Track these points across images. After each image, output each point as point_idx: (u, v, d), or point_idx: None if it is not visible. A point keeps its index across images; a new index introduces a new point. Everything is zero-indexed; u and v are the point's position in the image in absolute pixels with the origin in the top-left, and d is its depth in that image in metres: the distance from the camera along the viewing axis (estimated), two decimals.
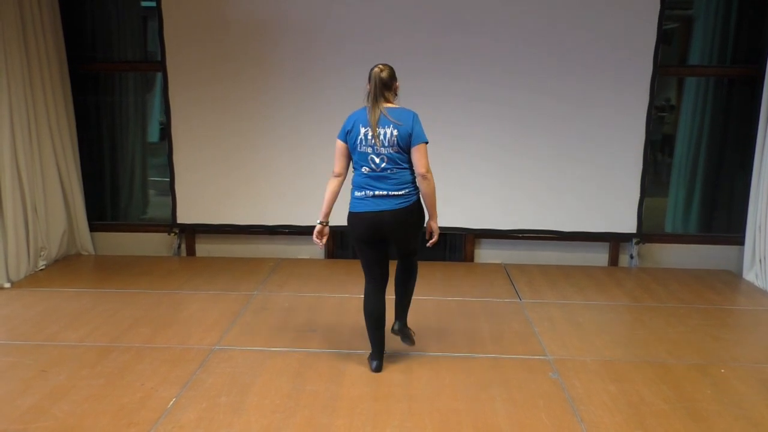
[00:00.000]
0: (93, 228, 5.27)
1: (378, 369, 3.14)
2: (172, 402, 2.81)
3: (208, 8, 4.89)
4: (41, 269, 4.76)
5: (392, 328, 3.29)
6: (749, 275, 4.80)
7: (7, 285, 4.37)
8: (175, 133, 5.06)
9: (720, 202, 5.41)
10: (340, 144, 3.07)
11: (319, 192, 4.99)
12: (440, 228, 4.97)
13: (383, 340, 3.19)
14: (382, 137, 2.96)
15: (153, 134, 5.83)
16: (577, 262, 5.17)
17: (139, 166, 5.59)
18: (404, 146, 2.98)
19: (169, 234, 5.26)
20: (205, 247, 5.32)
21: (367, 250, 3.11)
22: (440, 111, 4.90)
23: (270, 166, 5.08)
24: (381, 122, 2.97)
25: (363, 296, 3.18)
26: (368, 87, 3.03)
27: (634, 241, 5.09)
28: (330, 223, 5.24)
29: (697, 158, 5.32)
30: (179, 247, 5.29)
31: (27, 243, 4.61)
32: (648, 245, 5.16)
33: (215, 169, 5.10)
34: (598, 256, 5.20)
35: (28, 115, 4.59)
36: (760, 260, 4.66)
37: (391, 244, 3.13)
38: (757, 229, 4.71)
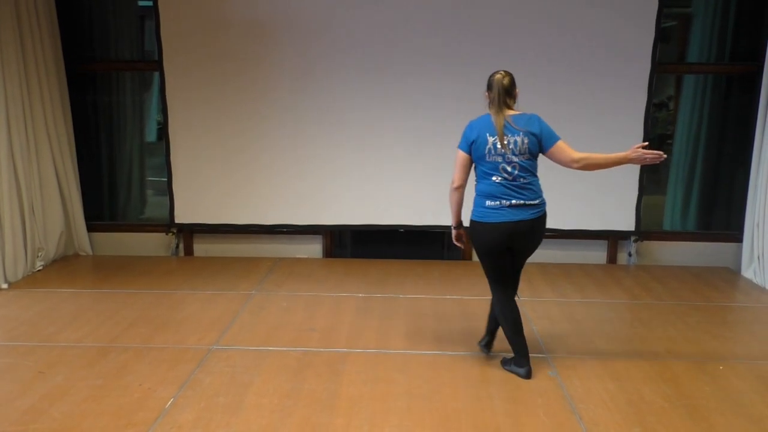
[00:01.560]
0: (90, 228, 5.26)
1: (529, 375, 3.06)
2: (170, 402, 2.81)
3: (206, 7, 4.87)
4: (39, 270, 4.75)
5: (480, 342, 3.26)
6: (747, 272, 4.80)
7: (5, 286, 4.36)
8: (173, 132, 5.05)
9: (718, 200, 5.41)
10: (462, 155, 3.00)
11: (317, 192, 5.08)
12: (437, 226, 5.09)
13: (526, 343, 3.12)
14: (512, 145, 2.91)
15: (150, 134, 5.82)
16: (576, 260, 5.17)
17: (137, 166, 5.58)
18: (535, 152, 2.96)
19: (167, 234, 5.25)
20: (203, 247, 5.32)
21: (496, 259, 3.04)
22: (439, 111, 4.90)
23: (268, 165, 5.07)
24: (507, 130, 2.91)
25: (498, 307, 3.10)
26: (489, 95, 2.99)
27: (633, 238, 5.09)
28: (325, 223, 5.27)
29: (696, 155, 5.31)
30: (177, 247, 5.28)
31: (24, 243, 4.60)
32: (646, 243, 5.17)
33: (213, 169, 5.10)
34: (597, 254, 5.19)
35: (25, 114, 4.58)
36: (759, 257, 4.66)
37: (512, 255, 3.06)
38: (755, 226, 4.71)
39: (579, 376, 3.10)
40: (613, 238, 5.15)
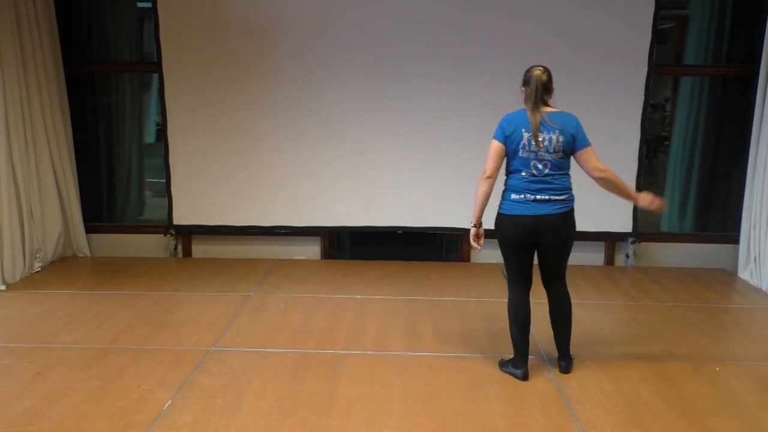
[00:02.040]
0: (89, 229, 5.26)
1: (526, 377, 3.05)
2: (168, 404, 2.81)
3: (205, 9, 4.88)
4: (37, 271, 4.75)
5: (560, 366, 3.17)
6: (744, 274, 4.81)
7: (3, 287, 4.35)
8: (172, 134, 5.05)
9: (715, 201, 5.43)
10: (497, 145, 2.97)
11: (315, 193, 5.08)
12: (436, 228, 5.10)
13: (528, 345, 3.11)
14: (546, 143, 2.90)
15: (149, 135, 5.83)
16: (573, 261, 5.05)
17: (135, 168, 5.58)
18: (569, 151, 2.96)
19: (165, 235, 5.25)
20: (201, 249, 5.32)
21: (519, 253, 3.04)
22: (438, 114, 4.92)
23: (266, 167, 5.08)
24: (543, 127, 2.90)
25: (511, 304, 3.08)
26: (525, 90, 2.97)
27: (630, 240, 5.10)
28: (323, 224, 5.27)
29: (693, 157, 5.33)
30: (175, 248, 5.28)
31: (23, 245, 4.60)
32: (644, 244, 5.18)
33: (212, 170, 5.10)
34: (594, 256, 5.20)
35: (24, 116, 4.58)
36: (755, 259, 4.68)
37: (542, 254, 3.05)
38: (751, 227, 4.72)
39: (576, 378, 3.11)
40: (610, 240, 5.16)
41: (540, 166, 2.93)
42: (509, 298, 3.11)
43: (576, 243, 5.08)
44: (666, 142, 5.54)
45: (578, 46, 4.81)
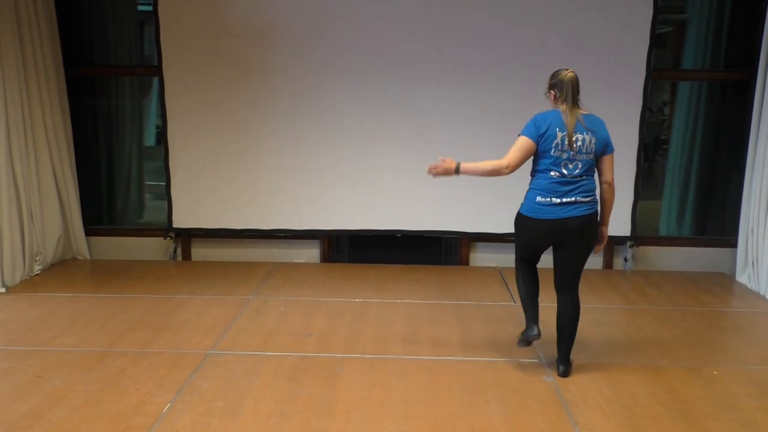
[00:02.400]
0: (89, 232, 5.27)
1: (538, 334, 3.14)
2: (167, 407, 2.82)
3: (205, 12, 4.90)
4: (37, 274, 4.75)
5: (558, 370, 3.18)
6: (742, 277, 4.83)
7: (2, 290, 4.36)
8: (172, 137, 5.07)
9: (713, 205, 5.44)
10: (528, 141, 2.97)
11: (314, 196, 5.09)
12: (435, 231, 5.11)
13: (538, 308, 3.22)
14: (579, 143, 2.94)
15: (149, 138, 5.84)
16: None
17: (135, 170, 5.59)
18: (599, 154, 3.00)
19: (165, 238, 5.26)
20: (200, 252, 5.33)
21: (533, 250, 3.14)
22: (437, 117, 4.93)
23: (266, 170, 5.09)
24: (577, 128, 2.94)
25: (520, 276, 3.21)
26: (554, 93, 3.01)
27: (629, 244, 5.11)
28: (323, 228, 5.26)
29: (691, 161, 5.35)
30: (175, 251, 5.29)
31: (22, 247, 4.60)
32: (642, 248, 5.19)
33: (211, 174, 5.11)
34: (593, 259, 5.17)
35: (24, 118, 4.59)
36: (753, 263, 4.69)
37: (562, 257, 3.08)
38: (749, 231, 4.74)
39: (575, 381, 3.12)
40: (609, 244, 5.16)
41: (571, 167, 2.97)
42: (517, 279, 3.25)
43: None
44: (664, 146, 5.56)
45: (577, 51, 4.82)
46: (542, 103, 4.86)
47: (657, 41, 4.91)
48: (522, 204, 3.10)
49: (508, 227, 4.98)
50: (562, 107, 2.99)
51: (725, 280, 4.92)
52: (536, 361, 3.36)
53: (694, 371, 3.26)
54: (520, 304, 3.33)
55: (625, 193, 5.00)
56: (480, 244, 5.25)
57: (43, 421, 2.69)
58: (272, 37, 4.91)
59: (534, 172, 3.07)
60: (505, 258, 5.21)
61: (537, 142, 2.98)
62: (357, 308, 4.15)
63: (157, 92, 5.19)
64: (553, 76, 3.04)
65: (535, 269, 3.23)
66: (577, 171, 2.97)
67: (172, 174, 5.12)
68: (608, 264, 5.20)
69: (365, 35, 4.88)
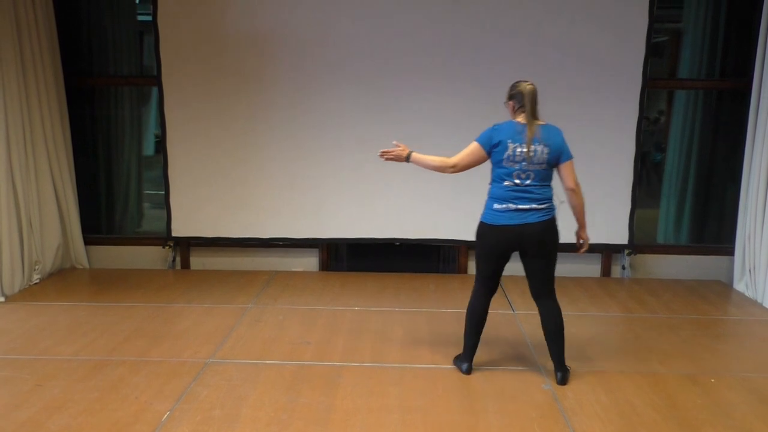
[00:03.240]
0: (88, 241, 5.28)
1: (469, 371, 3.24)
2: (166, 415, 2.82)
3: (205, 23, 4.93)
4: (35, 283, 4.76)
5: (557, 377, 3.18)
6: (740, 285, 4.84)
7: (1, 299, 4.36)
8: (171, 146, 5.09)
9: (710, 213, 5.47)
10: (480, 149, 3.06)
11: (313, 205, 5.11)
12: (434, 240, 5.13)
13: (477, 345, 3.27)
14: (533, 154, 2.98)
15: (148, 147, 5.86)
16: (570, 273, 5.20)
17: (134, 180, 5.61)
18: (553, 163, 3.04)
19: (163, 247, 5.27)
20: (199, 260, 5.34)
21: (494, 261, 3.15)
22: (434, 126, 4.95)
23: (265, 179, 5.11)
24: (533, 140, 3.00)
25: (474, 302, 3.22)
26: (513, 104, 3.06)
27: (626, 252, 5.13)
28: (321, 236, 5.28)
29: (688, 170, 5.38)
30: (174, 260, 5.30)
31: (21, 257, 4.61)
32: (640, 256, 5.21)
33: (210, 183, 5.13)
34: (591, 267, 5.23)
35: (24, 128, 4.61)
36: (750, 270, 4.71)
37: (528, 265, 3.13)
38: (746, 239, 4.76)
39: (573, 389, 3.13)
40: (606, 252, 5.19)
41: (523, 176, 3.02)
42: (471, 298, 3.24)
43: (572, 254, 5.16)
44: (661, 155, 5.59)
45: (573, 60, 4.87)
46: (541, 112, 4.92)
47: (653, 50, 4.95)
48: (483, 213, 3.14)
49: None
50: (520, 118, 3.04)
51: (723, 288, 4.93)
52: (534, 369, 3.36)
53: (692, 379, 3.26)
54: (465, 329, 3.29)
55: (622, 202, 5.04)
56: None
57: (42, 430, 2.69)
58: (271, 47, 4.94)
59: (491, 181, 3.13)
60: None
61: (489, 152, 3.06)
62: (355, 316, 4.15)
63: (156, 102, 5.22)
64: (513, 87, 3.09)
65: (489, 300, 3.23)
66: (529, 181, 3.03)
67: (171, 183, 5.14)
68: (606, 272, 5.22)
69: (364, 45, 4.92)
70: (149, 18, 4.99)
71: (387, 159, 3.21)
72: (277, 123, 5.04)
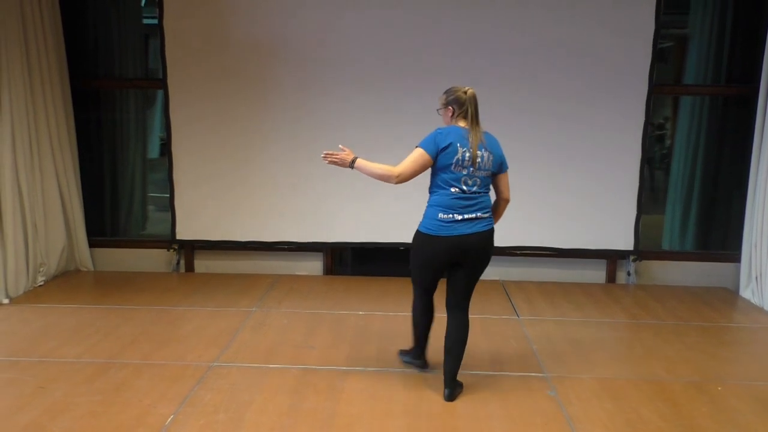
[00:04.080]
0: (92, 244, 5.28)
1: (426, 366, 3.32)
2: (170, 419, 2.81)
3: (210, 27, 4.95)
4: (40, 285, 4.76)
5: (444, 394, 3.09)
6: (746, 292, 4.82)
7: (6, 301, 4.37)
8: (176, 149, 5.10)
9: (716, 220, 5.45)
10: (425, 156, 2.93)
11: (317, 209, 5.10)
12: None
13: (428, 339, 3.30)
14: (479, 160, 2.94)
15: (153, 150, 5.87)
16: (575, 279, 5.19)
17: (139, 182, 5.62)
18: (495, 172, 3.03)
19: (168, 250, 5.27)
20: (204, 263, 5.34)
21: (437, 272, 3.08)
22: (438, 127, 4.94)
23: (269, 182, 5.12)
24: (479, 146, 2.96)
25: (420, 310, 3.21)
26: (453, 109, 3.00)
27: (632, 258, 5.11)
28: (326, 241, 5.25)
29: (694, 176, 5.36)
30: (178, 263, 5.30)
31: (26, 259, 4.62)
32: (645, 262, 5.19)
33: (215, 186, 5.13)
34: (596, 273, 5.21)
35: (30, 130, 4.62)
36: (756, 278, 4.68)
37: (461, 274, 3.05)
38: (753, 246, 4.73)
39: (578, 396, 3.11)
40: (612, 258, 5.17)
41: (470, 182, 2.97)
42: (415, 307, 3.23)
43: (578, 260, 5.18)
44: (667, 160, 5.57)
45: (579, 65, 4.86)
46: (543, 118, 4.93)
47: (659, 56, 4.94)
48: (421, 222, 3.02)
49: (511, 240, 5.07)
50: (461, 124, 3.00)
51: (728, 295, 4.90)
52: (540, 375, 3.35)
53: (698, 387, 3.24)
54: (414, 330, 3.30)
55: (627, 207, 5.02)
56: None
57: None
58: (276, 51, 4.95)
59: (433, 188, 3.02)
60: (508, 271, 5.21)
61: (435, 158, 2.94)
62: (359, 321, 4.14)
63: (161, 105, 5.23)
64: (450, 92, 3.02)
65: (432, 300, 3.20)
66: (476, 188, 2.98)
67: (176, 186, 5.14)
68: (611, 278, 5.20)
69: (367, 49, 4.92)
70: (155, 21, 5.01)
71: (330, 162, 3.05)
72: (282, 126, 5.04)
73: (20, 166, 4.52)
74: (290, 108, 5.03)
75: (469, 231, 2.95)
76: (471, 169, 2.94)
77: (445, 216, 2.95)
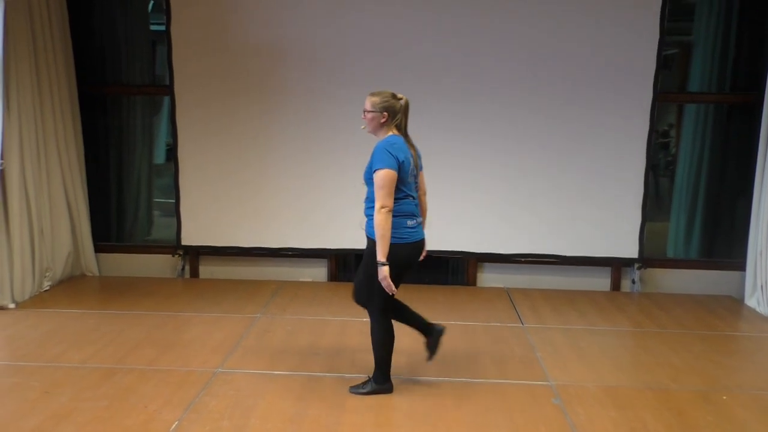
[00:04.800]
0: (98, 249, 5.30)
1: (441, 329, 3.28)
2: (174, 425, 2.82)
3: (217, 33, 4.98)
4: (46, 290, 4.78)
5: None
6: (751, 301, 4.80)
7: (12, 305, 4.39)
8: (182, 155, 5.12)
9: (721, 228, 5.43)
10: (394, 174, 2.87)
11: (322, 215, 5.11)
12: (442, 251, 5.12)
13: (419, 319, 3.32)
14: (419, 167, 3.07)
15: (159, 156, 5.90)
16: (580, 286, 5.18)
17: (145, 188, 5.64)
18: (416, 175, 3.09)
19: (173, 255, 5.29)
20: (208, 269, 5.35)
21: (403, 278, 3.07)
22: (444, 136, 4.96)
23: (274, 189, 5.13)
24: (417, 152, 3.06)
25: (385, 332, 3.07)
26: (386, 116, 2.96)
27: (636, 265, 5.10)
28: (330, 247, 5.25)
29: (698, 183, 5.35)
30: (183, 268, 5.31)
31: (32, 264, 4.64)
32: (650, 270, 5.18)
33: (220, 192, 5.15)
34: (600, 281, 5.20)
35: (37, 136, 4.65)
36: (762, 286, 4.67)
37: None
38: (758, 255, 4.72)
39: (582, 404, 3.10)
40: (616, 265, 5.16)
41: (414, 189, 3.07)
42: (385, 327, 3.07)
43: (582, 268, 5.18)
44: (671, 167, 5.57)
45: (583, 72, 4.87)
46: (548, 125, 4.93)
47: (663, 63, 4.94)
48: (395, 234, 2.92)
49: (515, 248, 5.07)
50: (394, 131, 2.99)
51: (733, 304, 4.89)
52: (544, 383, 3.34)
53: (703, 396, 3.23)
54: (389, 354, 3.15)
55: (632, 215, 5.02)
56: (487, 265, 5.25)
57: None
58: (283, 58, 4.98)
59: (396, 199, 2.93)
60: (513, 279, 5.21)
61: (398, 172, 2.90)
62: (364, 328, 4.10)
63: (168, 111, 5.26)
64: (386, 97, 2.96)
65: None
66: (415, 193, 3.07)
67: (182, 192, 5.16)
68: (616, 286, 5.19)
69: (375, 58, 4.93)
70: (162, 28, 5.04)
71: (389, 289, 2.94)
72: (288, 132, 5.06)
73: (28, 171, 4.54)
74: (297, 115, 5.04)
75: (423, 232, 3.11)
76: (415, 175, 3.03)
77: (412, 222, 3.02)
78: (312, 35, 4.95)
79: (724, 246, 5.41)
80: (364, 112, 3.03)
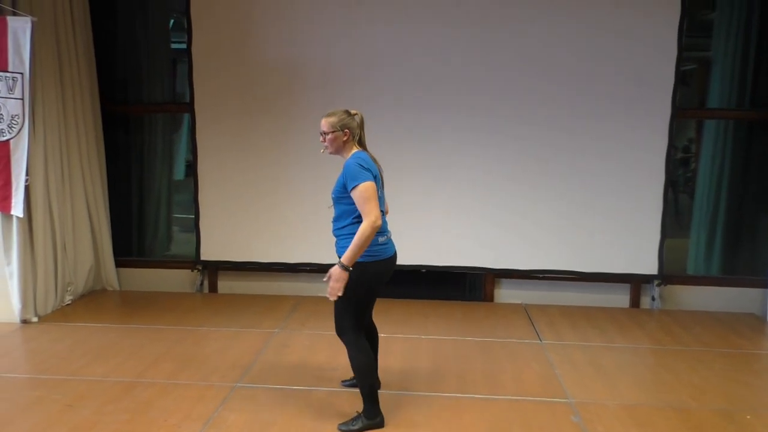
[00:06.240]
0: (119, 264, 5.37)
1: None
2: None
3: (237, 52, 5.06)
4: (68, 304, 4.85)
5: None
6: None
7: (35, 319, 4.46)
8: (201, 172, 5.19)
9: (743, 244, 5.37)
10: (374, 186, 2.86)
11: None
12: (460, 267, 5.11)
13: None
14: (383, 181, 3.10)
15: (179, 172, 5.98)
16: (598, 303, 5.14)
17: (165, 204, 5.72)
18: None
19: (192, 270, 5.34)
20: (227, 284, 5.39)
21: (375, 293, 3.07)
22: (460, 151, 4.98)
23: (293, 204, 5.17)
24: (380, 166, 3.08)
25: (364, 356, 2.94)
26: (347, 132, 2.96)
27: (656, 282, 5.05)
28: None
29: (719, 199, 5.30)
30: (202, 283, 5.36)
31: (55, 278, 4.71)
32: (670, 287, 5.13)
33: (239, 208, 5.21)
34: (620, 298, 5.16)
35: (62, 153, 4.75)
36: None
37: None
38: None
39: (602, 422, 3.07)
40: (635, 282, 5.12)
41: (384, 203, 3.08)
42: (360, 348, 2.95)
43: (601, 284, 5.14)
44: (691, 183, 5.53)
45: (602, 88, 4.87)
46: (566, 141, 4.93)
47: (682, 79, 4.93)
48: (368, 251, 2.86)
49: (533, 264, 5.05)
50: (356, 148, 3.00)
51: (756, 322, 4.82)
52: (564, 400, 3.32)
53: (726, 415, 3.19)
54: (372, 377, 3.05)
55: (651, 231, 4.98)
56: (505, 281, 5.23)
57: None
58: (302, 77, 5.04)
59: (359, 217, 2.88)
60: (531, 295, 5.19)
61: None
62: (382, 343, 4.11)
63: (188, 128, 5.34)
64: (343, 116, 2.97)
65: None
66: (384, 208, 3.07)
67: (201, 208, 5.22)
68: (635, 302, 5.14)
69: (393, 77, 4.97)
70: (182, 46, 5.13)
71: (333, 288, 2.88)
72: (306, 149, 5.10)
73: (51, 187, 4.63)
74: (316, 133, 5.05)
75: (394, 247, 3.05)
76: (382, 189, 3.03)
77: (383, 239, 2.97)
78: (328, 53, 5.01)
79: (745, 262, 5.34)
80: (323, 134, 3.01)
